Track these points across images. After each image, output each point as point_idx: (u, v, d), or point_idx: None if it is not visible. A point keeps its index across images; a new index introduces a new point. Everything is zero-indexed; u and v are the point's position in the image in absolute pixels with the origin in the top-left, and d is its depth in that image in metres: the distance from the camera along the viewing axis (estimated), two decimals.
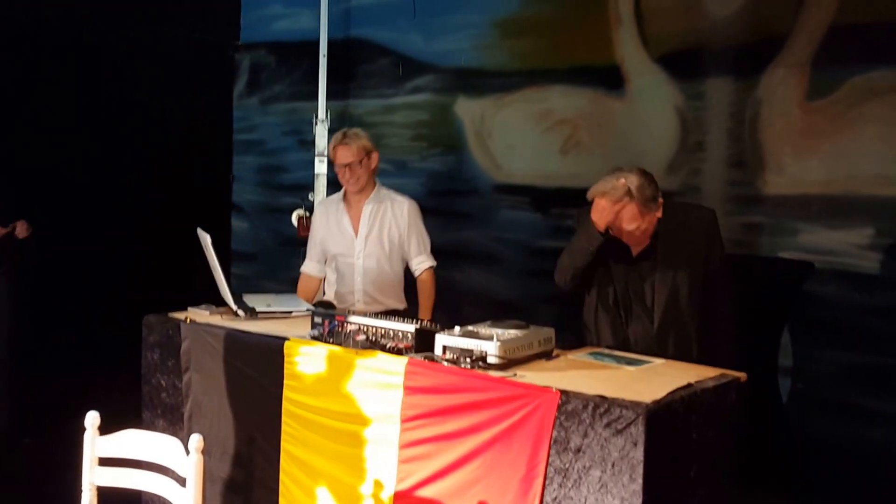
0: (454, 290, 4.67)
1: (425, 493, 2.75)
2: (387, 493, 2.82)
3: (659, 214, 3.01)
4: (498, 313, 3.17)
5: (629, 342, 3.13)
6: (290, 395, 3.06)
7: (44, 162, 4.49)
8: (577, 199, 4.62)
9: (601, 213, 3.01)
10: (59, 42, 4.66)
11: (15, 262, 4.34)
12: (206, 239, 3.48)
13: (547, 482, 2.50)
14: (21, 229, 4.26)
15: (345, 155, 3.63)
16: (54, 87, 4.62)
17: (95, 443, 2.47)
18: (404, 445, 2.78)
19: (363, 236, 3.71)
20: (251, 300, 3.54)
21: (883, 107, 3.48)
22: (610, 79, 4.18)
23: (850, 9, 3.55)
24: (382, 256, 3.70)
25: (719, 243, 3.04)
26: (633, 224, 2.99)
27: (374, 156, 3.65)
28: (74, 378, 4.29)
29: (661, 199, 3.02)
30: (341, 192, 3.81)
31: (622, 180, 2.96)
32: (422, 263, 3.70)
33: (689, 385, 2.59)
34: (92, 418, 2.48)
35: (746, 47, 3.85)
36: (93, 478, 2.47)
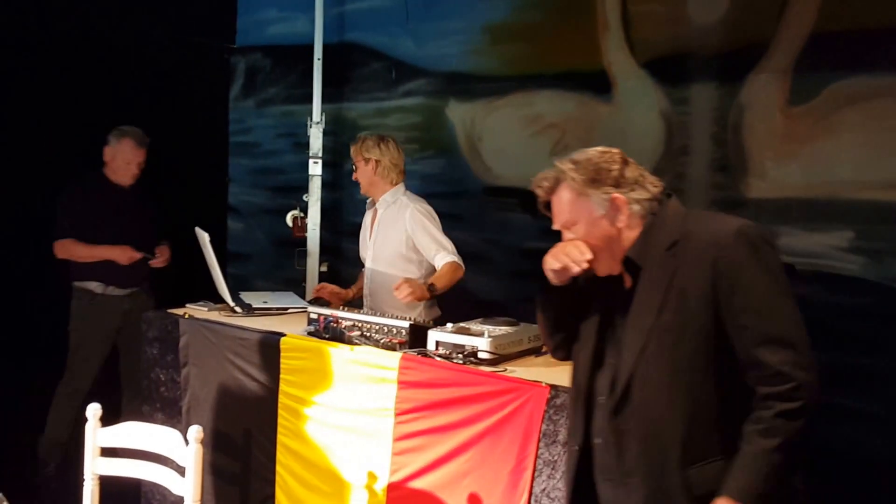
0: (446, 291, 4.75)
1: (418, 484, 2.83)
2: (380, 485, 2.90)
3: (623, 219, 1.96)
4: (489, 312, 3.25)
5: (592, 430, 2.07)
6: (286, 390, 3.14)
7: (39, 162, 4.53)
8: None
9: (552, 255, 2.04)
10: (53, 44, 4.71)
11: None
12: (204, 237, 3.56)
13: (536, 474, 2.57)
14: (162, 258, 4.18)
15: (352, 153, 3.78)
16: (49, 89, 4.67)
17: (97, 433, 2.54)
18: (398, 438, 2.86)
19: (373, 240, 3.75)
20: (248, 297, 3.62)
21: (861, 113, 3.56)
22: (597, 84, 4.26)
23: (830, 17, 3.63)
24: (388, 262, 3.67)
25: (752, 278, 1.84)
26: (561, 220, 2.02)
27: (372, 163, 3.68)
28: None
29: (625, 196, 1.95)
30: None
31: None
32: (443, 259, 3.50)
33: None
34: (94, 409, 2.55)
35: (730, 54, 3.94)
36: (95, 467, 2.54)
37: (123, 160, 4.20)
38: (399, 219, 3.62)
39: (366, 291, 3.75)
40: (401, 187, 3.72)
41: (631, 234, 1.97)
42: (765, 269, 1.85)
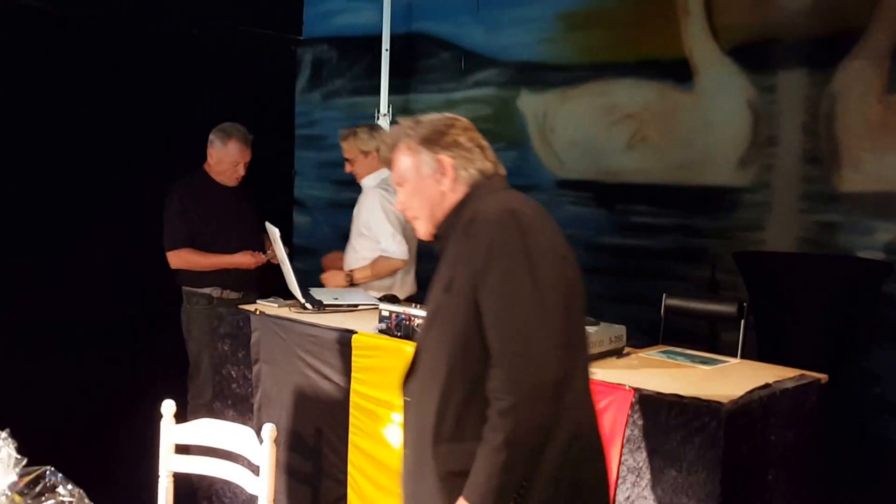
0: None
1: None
2: None
3: (447, 183, 1.91)
4: None
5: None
6: (358, 388, 3.07)
7: (106, 158, 4.56)
8: (644, 195, 4.59)
9: None
10: (122, 38, 4.74)
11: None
12: (275, 232, 3.52)
13: (620, 481, 2.46)
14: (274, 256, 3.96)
15: (345, 150, 3.97)
16: (117, 84, 4.70)
17: (171, 431, 2.51)
18: None
19: (353, 215, 3.97)
20: (318, 293, 3.57)
21: None
22: (678, 72, 4.11)
23: None
24: (354, 246, 3.92)
25: (493, 280, 1.76)
26: (395, 177, 2.02)
27: (373, 154, 3.86)
28: (145, 368, 4.36)
29: (452, 160, 1.91)
30: None
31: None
32: (373, 251, 3.79)
33: (766, 385, 2.53)
34: (168, 406, 2.51)
35: (821, 39, 3.75)
36: (170, 464, 2.51)
37: (231, 163, 4.00)
38: (367, 199, 3.85)
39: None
40: (384, 171, 3.85)
41: (455, 201, 1.94)
42: (503, 273, 1.76)
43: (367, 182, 3.93)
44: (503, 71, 4.79)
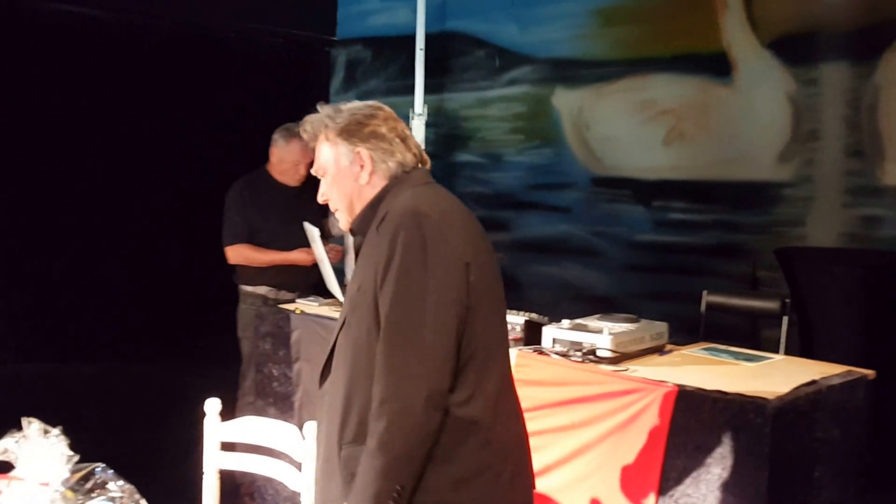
0: (553, 285, 4.62)
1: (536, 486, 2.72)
2: None
3: (365, 176, 1.88)
4: (597, 309, 3.11)
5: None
6: None
7: (143, 160, 4.62)
8: (682, 192, 4.55)
9: None
10: (155, 41, 4.80)
11: None
12: (313, 232, 3.54)
13: (663, 479, 2.44)
14: (334, 255, 3.91)
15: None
16: (152, 86, 4.76)
17: (217, 428, 2.53)
18: None
19: None
20: None
21: None
22: (716, 66, 4.06)
23: None
24: None
25: (392, 270, 1.74)
26: (315, 166, 2.00)
27: None
28: (193, 366, 4.41)
29: (370, 153, 1.87)
30: None
31: None
32: None
33: (813, 382, 2.49)
34: (213, 404, 2.53)
35: (864, 30, 3.68)
36: (215, 462, 2.53)
37: (292, 162, 3.98)
38: None
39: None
40: None
41: (372, 195, 1.89)
42: (396, 281, 1.72)
43: None
44: (538, 68, 4.77)
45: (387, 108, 1.94)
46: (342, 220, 1.97)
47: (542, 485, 2.69)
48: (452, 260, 1.76)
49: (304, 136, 1.99)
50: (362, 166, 1.88)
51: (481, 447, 1.76)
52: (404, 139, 1.91)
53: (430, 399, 1.69)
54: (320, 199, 2.00)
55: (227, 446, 2.55)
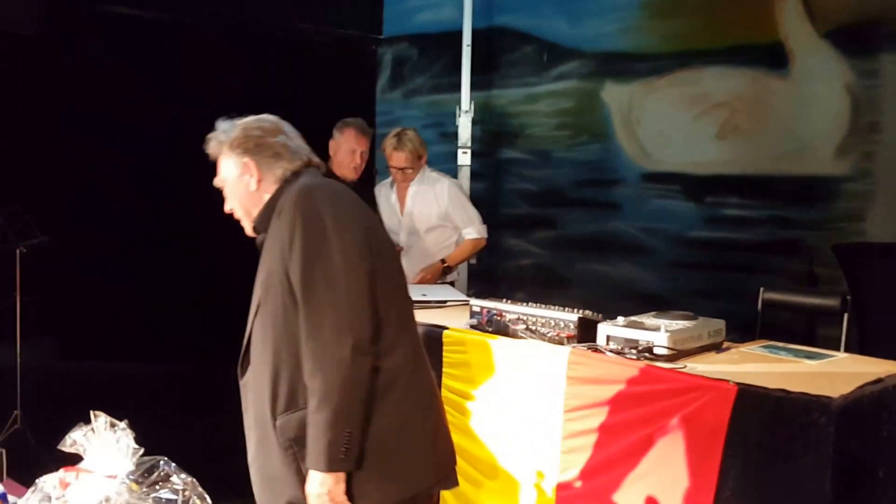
0: (601, 283, 4.57)
1: (589, 485, 2.69)
2: (549, 484, 2.79)
3: (254, 183, 2.08)
4: (648, 307, 3.06)
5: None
6: (449, 384, 3.07)
7: (185, 160, 4.66)
8: (736, 187, 4.47)
9: None
10: (200, 40, 4.85)
11: None
12: None
13: (722, 480, 2.39)
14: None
15: (399, 159, 4.05)
16: (198, 85, 4.81)
17: None
18: (567, 436, 2.74)
19: (407, 214, 4.11)
20: None
21: None
22: (772, 57, 3.97)
23: None
24: (422, 233, 4.09)
25: (297, 236, 1.92)
26: (217, 177, 2.19)
27: (424, 159, 4.09)
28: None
29: (256, 161, 2.09)
30: (391, 178, 4.22)
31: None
32: (468, 234, 4.07)
33: (878, 380, 2.43)
34: None
35: None
36: None
37: (348, 149, 4.05)
38: (437, 194, 4.05)
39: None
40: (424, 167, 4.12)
41: (267, 198, 2.09)
42: (304, 243, 1.90)
43: (429, 177, 4.11)
44: (586, 62, 4.72)
45: (273, 119, 2.17)
46: (245, 226, 2.16)
47: (595, 484, 2.67)
48: (352, 223, 1.96)
49: (209, 151, 2.18)
50: (251, 175, 2.08)
51: (406, 396, 1.98)
52: (287, 147, 2.11)
53: (357, 347, 1.87)
54: (226, 209, 2.18)
55: None
